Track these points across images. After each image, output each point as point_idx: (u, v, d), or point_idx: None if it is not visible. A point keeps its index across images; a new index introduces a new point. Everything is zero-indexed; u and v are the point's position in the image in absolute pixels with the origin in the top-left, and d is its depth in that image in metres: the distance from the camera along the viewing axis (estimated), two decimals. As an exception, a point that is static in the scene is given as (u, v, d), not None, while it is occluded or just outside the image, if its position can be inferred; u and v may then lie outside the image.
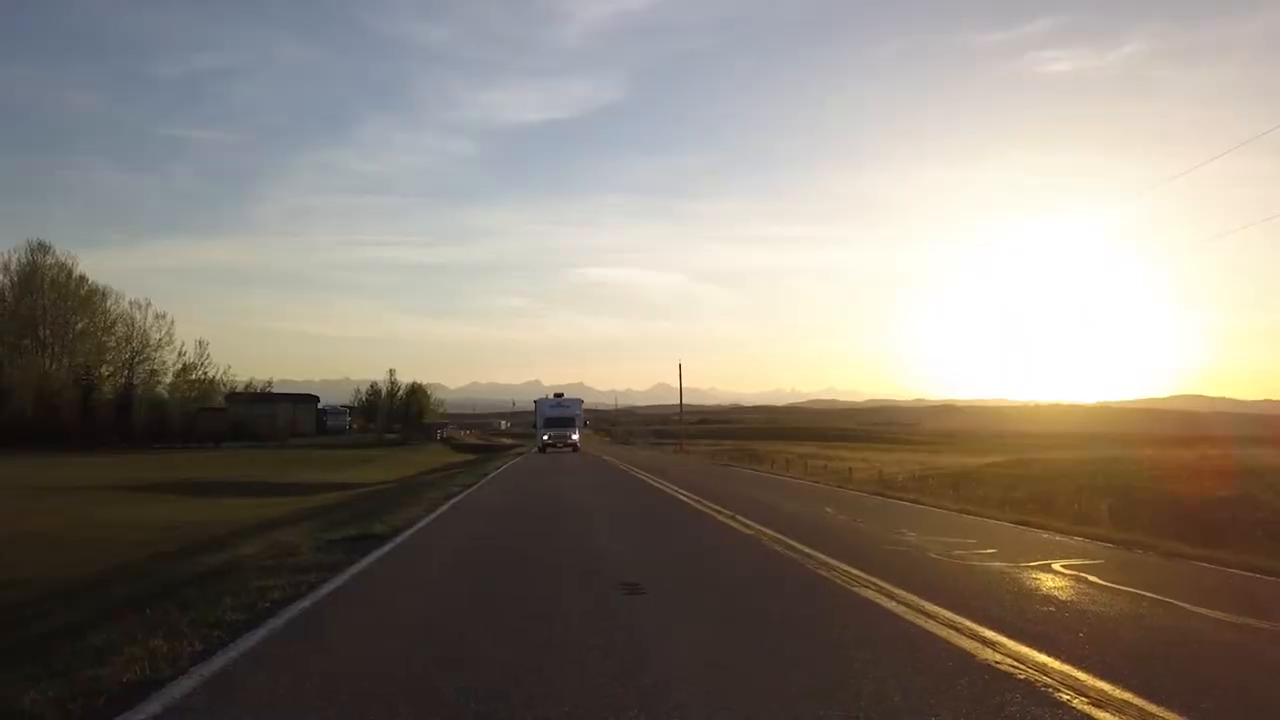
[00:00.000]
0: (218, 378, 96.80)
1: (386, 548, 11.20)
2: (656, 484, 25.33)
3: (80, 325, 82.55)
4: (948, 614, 6.86)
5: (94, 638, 6.14)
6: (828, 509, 17.55)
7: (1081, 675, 5.16)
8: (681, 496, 20.34)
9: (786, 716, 4.42)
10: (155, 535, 20.63)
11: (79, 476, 40.01)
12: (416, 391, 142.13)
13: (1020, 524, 14.63)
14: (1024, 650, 5.75)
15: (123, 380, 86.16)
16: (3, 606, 10.95)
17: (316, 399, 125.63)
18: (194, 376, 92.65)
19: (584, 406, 70.88)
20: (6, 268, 79.09)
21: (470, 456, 70.10)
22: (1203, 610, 7.26)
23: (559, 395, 66.05)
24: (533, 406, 71.79)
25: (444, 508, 17.61)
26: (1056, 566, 9.71)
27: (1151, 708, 4.60)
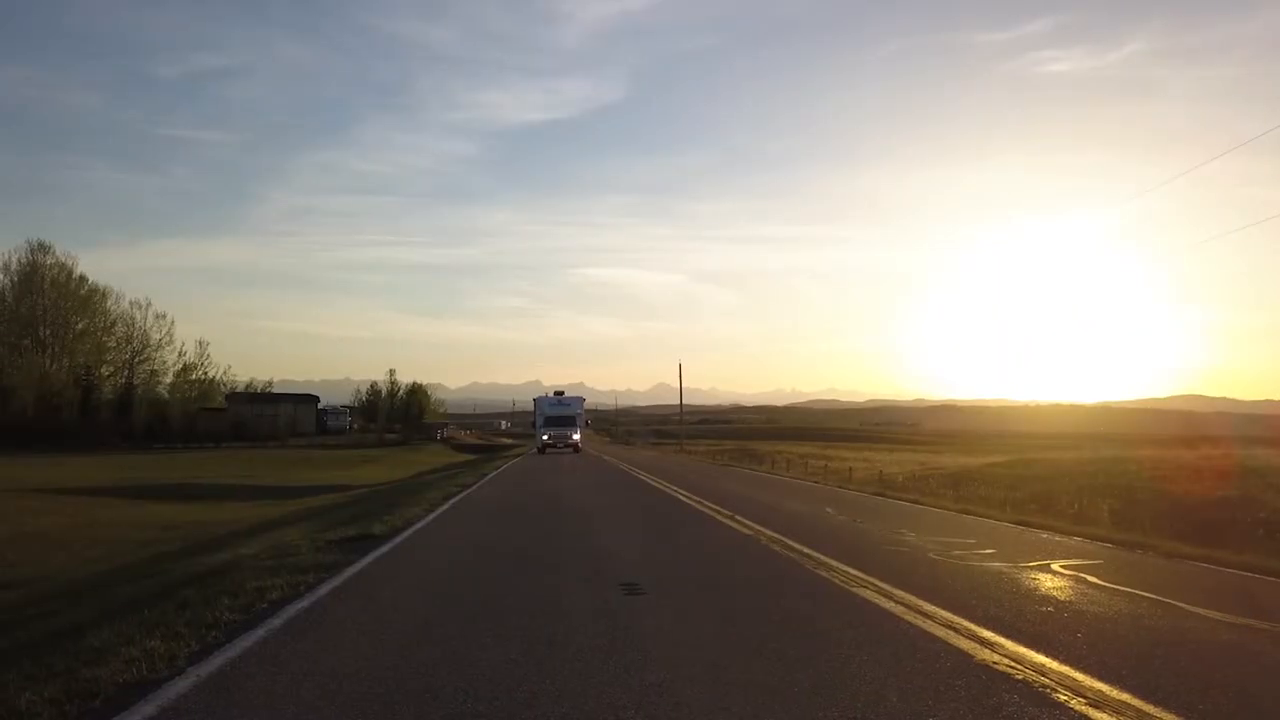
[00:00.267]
0: (218, 378, 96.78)
1: (385, 548, 11.20)
2: (656, 484, 25.32)
3: (80, 325, 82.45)
4: (946, 614, 6.86)
5: (92, 638, 6.14)
6: (828, 509, 17.55)
7: (1079, 676, 5.16)
8: (681, 497, 20.34)
9: (785, 716, 4.42)
10: (157, 535, 20.65)
11: (78, 477, 40.00)
12: (417, 391, 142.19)
13: (1020, 524, 14.62)
14: (1022, 650, 5.74)
15: (123, 380, 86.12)
16: (3, 606, 10.96)
17: (317, 399, 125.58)
18: (194, 377, 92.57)
19: (585, 406, 67.86)
20: (6, 268, 79.05)
21: (470, 456, 70.15)
22: (1202, 610, 7.26)
23: (559, 393, 63.32)
24: (532, 406, 68.34)
25: (444, 508, 17.61)
26: (1055, 567, 9.71)
27: (1149, 708, 4.59)
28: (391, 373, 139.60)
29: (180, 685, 4.94)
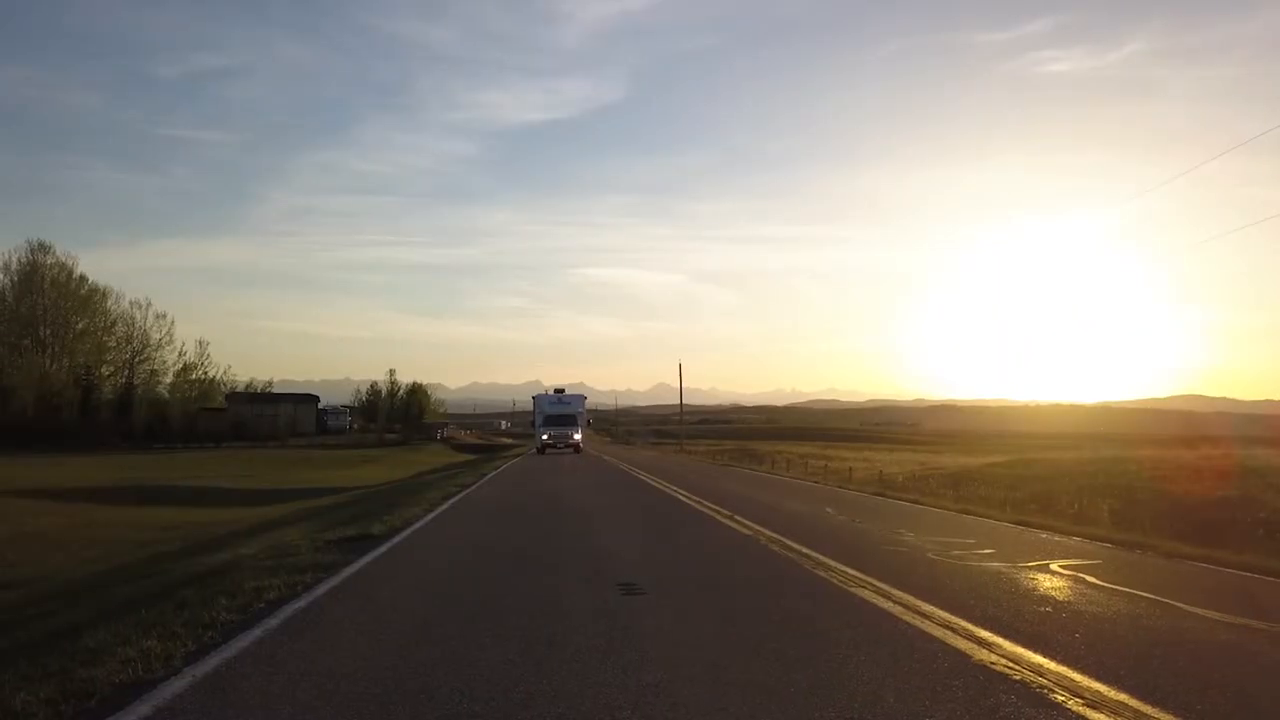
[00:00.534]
0: (218, 378, 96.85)
1: (384, 548, 11.19)
2: (656, 484, 25.31)
3: (80, 325, 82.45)
4: (944, 614, 6.85)
5: (89, 638, 6.12)
6: (827, 509, 17.54)
7: (1077, 676, 5.15)
8: (681, 497, 20.33)
9: (782, 717, 4.41)
10: (157, 535, 20.65)
11: (78, 477, 39.99)
12: (417, 391, 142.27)
13: (1020, 524, 14.61)
14: (1020, 651, 5.73)
15: (123, 380, 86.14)
16: (2, 607, 10.96)
17: (317, 399, 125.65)
18: (194, 376, 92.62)
19: (586, 404, 64.69)
20: (7, 267, 79.09)
21: (470, 456, 70.11)
22: (1201, 611, 7.24)
23: (559, 391, 60.53)
24: (532, 405, 65.43)
25: (443, 507, 17.60)
26: (1054, 567, 9.70)
27: (1147, 709, 4.58)
28: (391, 373, 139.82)
29: (176, 685, 4.93)
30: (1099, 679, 5.09)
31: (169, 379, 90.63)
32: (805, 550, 10.67)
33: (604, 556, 10.58)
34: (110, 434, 76.00)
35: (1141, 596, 7.88)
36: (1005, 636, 6.14)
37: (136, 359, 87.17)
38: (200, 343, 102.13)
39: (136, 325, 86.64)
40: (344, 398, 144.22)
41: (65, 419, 73.33)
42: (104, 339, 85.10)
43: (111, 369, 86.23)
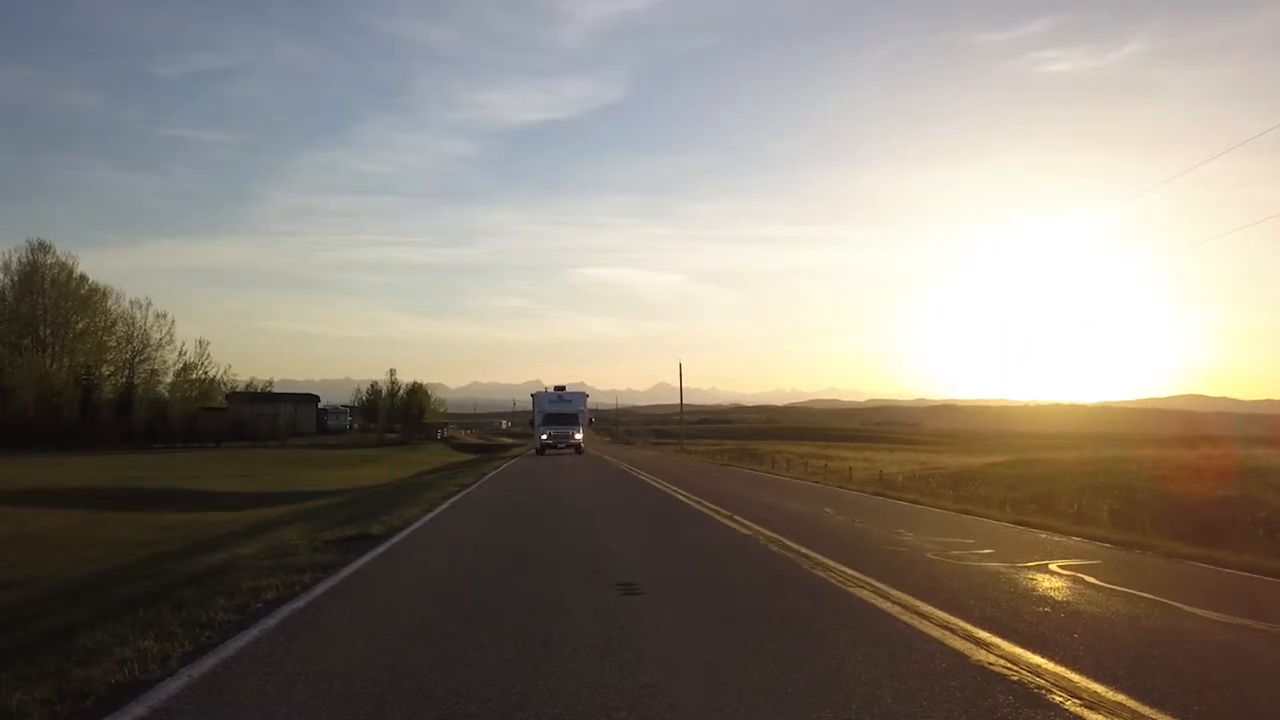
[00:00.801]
0: (218, 377, 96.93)
1: (383, 547, 11.19)
2: (656, 484, 25.30)
3: (81, 325, 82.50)
4: (943, 615, 6.84)
5: (86, 638, 6.12)
6: (827, 509, 17.53)
7: (1075, 677, 5.14)
8: (681, 496, 20.32)
9: (780, 717, 4.40)
10: (157, 535, 20.65)
11: (78, 477, 39.99)
12: (417, 391, 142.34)
13: (1020, 524, 14.60)
14: (1018, 651, 5.72)
15: (123, 380, 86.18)
16: (2, 607, 10.96)
17: (317, 399, 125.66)
18: (194, 376, 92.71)
19: (588, 402, 60.67)
20: (7, 267, 79.14)
21: (471, 456, 70.06)
22: (1199, 611, 7.23)
23: (560, 388, 57.40)
24: (531, 404, 61.75)
25: (442, 507, 17.60)
26: (1054, 567, 9.69)
27: (1145, 709, 4.57)
28: (392, 372, 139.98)
29: (172, 686, 4.92)
30: (1097, 679, 5.07)
31: (169, 379, 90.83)
32: (804, 550, 10.66)
33: (604, 556, 10.58)
34: (110, 434, 76.00)
35: (1140, 597, 7.86)
36: (1003, 637, 6.13)
37: (137, 359, 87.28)
38: (200, 342, 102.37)
39: (137, 325, 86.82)
40: (344, 397, 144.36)
41: (65, 419, 73.35)
42: (104, 339, 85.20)
43: (112, 369, 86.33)
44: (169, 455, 66.77)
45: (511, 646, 5.83)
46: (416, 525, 14.08)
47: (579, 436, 53.49)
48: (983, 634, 6.21)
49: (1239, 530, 13.86)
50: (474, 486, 24.73)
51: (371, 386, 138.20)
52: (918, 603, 7.31)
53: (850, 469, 33.47)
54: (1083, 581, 8.72)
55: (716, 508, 16.90)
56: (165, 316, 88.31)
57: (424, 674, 5.17)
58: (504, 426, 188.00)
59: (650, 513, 16.81)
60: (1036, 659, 5.53)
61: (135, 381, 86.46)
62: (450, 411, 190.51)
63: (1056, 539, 12.64)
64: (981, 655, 5.62)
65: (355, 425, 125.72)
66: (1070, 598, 7.89)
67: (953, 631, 6.30)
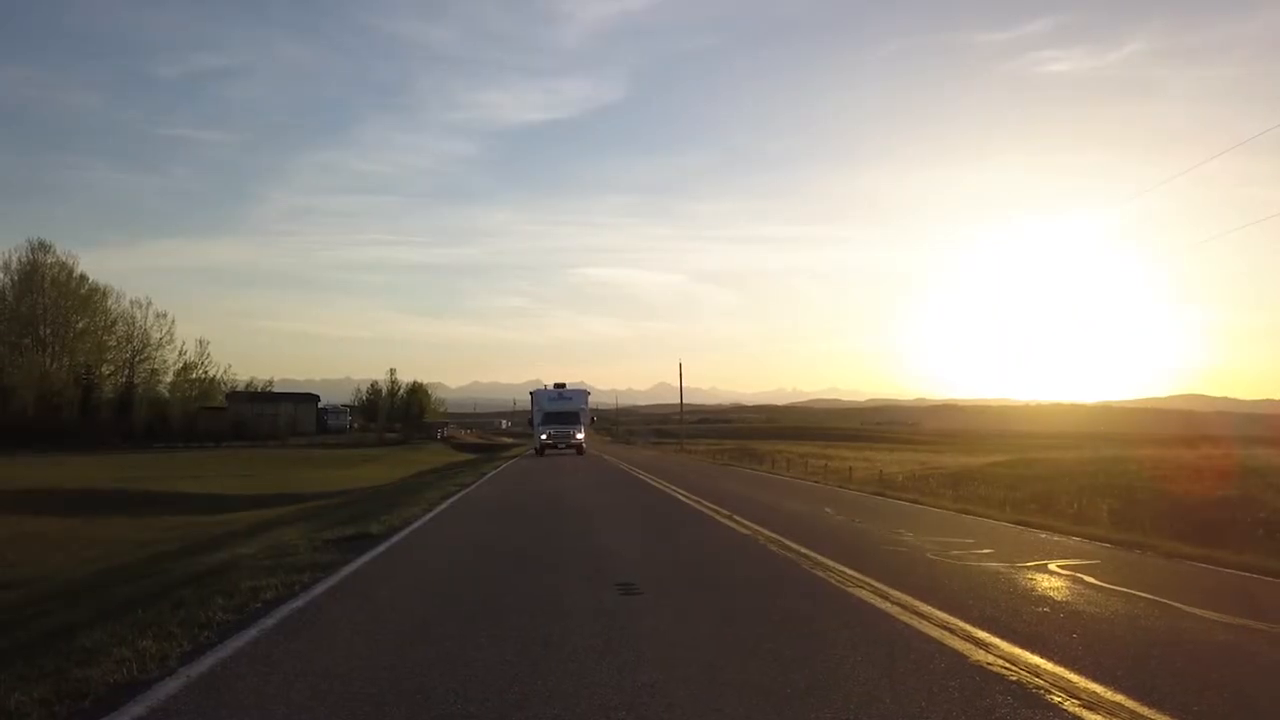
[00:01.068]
0: (218, 377, 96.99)
1: (382, 547, 11.19)
2: (656, 484, 25.30)
3: (81, 324, 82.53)
4: (942, 615, 6.84)
5: (85, 638, 6.12)
6: (826, 509, 17.52)
7: (1074, 677, 5.13)
8: (681, 496, 20.32)
9: (778, 717, 4.40)
10: (157, 535, 20.65)
11: (78, 477, 39.98)
12: (417, 391, 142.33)
13: (1019, 524, 14.59)
14: (1017, 651, 5.72)
15: (123, 380, 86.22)
16: (1, 607, 10.97)
17: (317, 398, 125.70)
18: (194, 376, 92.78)
19: (589, 400, 57.40)
20: (7, 267, 79.18)
21: (471, 456, 70.03)
22: (1199, 611, 7.23)
23: (560, 386, 54.46)
24: (530, 402, 58.26)
25: (442, 507, 17.61)
26: (1053, 567, 9.68)
27: (1144, 710, 4.57)
28: (392, 372, 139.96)
29: (170, 685, 4.92)
30: (1096, 679, 5.07)
31: (169, 378, 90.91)
32: (804, 550, 10.66)
33: (603, 556, 10.58)
34: (110, 433, 76.03)
35: (1140, 597, 7.86)
36: (1002, 637, 6.12)
37: (137, 358, 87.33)
38: (200, 342, 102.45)
39: (137, 324, 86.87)
40: (344, 397, 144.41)
41: (65, 418, 73.37)
42: (104, 338, 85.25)
43: (112, 368, 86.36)
44: (169, 455, 66.77)
45: (511, 646, 5.82)
46: (416, 525, 14.08)
47: (580, 436, 50.93)
48: (982, 634, 6.21)
49: (1239, 530, 13.86)
50: (474, 486, 24.74)
51: (371, 386, 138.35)
52: (917, 603, 7.31)
53: (850, 469, 33.47)
54: (1082, 581, 8.72)
55: (716, 507, 16.89)
56: (165, 316, 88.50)
57: (423, 674, 5.17)
58: (504, 426, 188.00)
59: (650, 512, 16.81)
60: (1035, 659, 5.53)
61: (135, 381, 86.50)
62: (450, 411, 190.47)
63: (1056, 539, 12.63)
64: (980, 655, 5.62)
65: (355, 425, 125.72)
66: (1069, 598, 7.88)
67: (952, 631, 6.29)
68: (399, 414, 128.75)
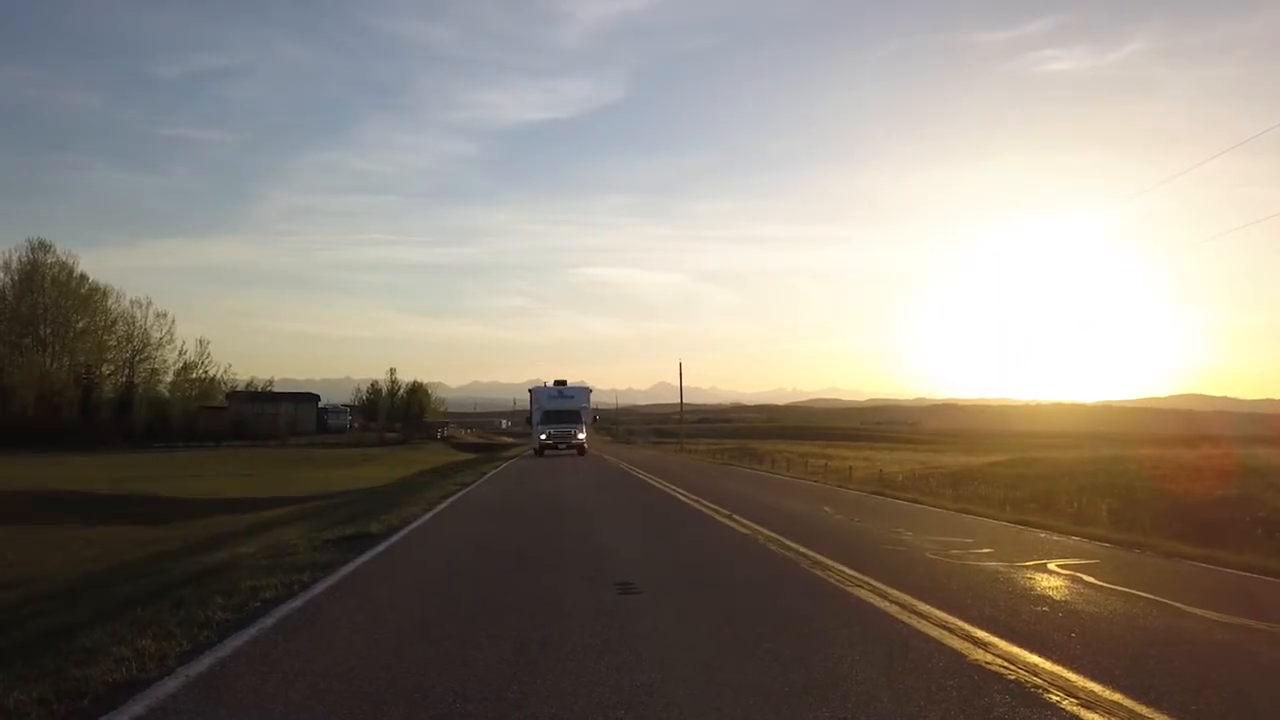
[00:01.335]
0: (218, 377, 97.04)
1: (381, 547, 11.19)
2: (656, 483, 25.30)
3: (81, 324, 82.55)
4: (941, 614, 6.84)
5: (84, 638, 6.12)
6: (826, 508, 17.53)
7: (1072, 676, 5.13)
8: (680, 496, 20.32)
9: (776, 717, 4.40)
10: (156, 535, 20.63)
11: (78, 478, 39.98)
12: (417, 390, 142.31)
13: (1019, 524, 14.59)
14: (1015, 651, 5.72)
15: (123, 379, 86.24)
16: (1, 606, 10.96)
17: (317, 398, 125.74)
18: (195, 375, 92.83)
19: (591, 398, 54.04)
20: (7, 266, 79.20)
21: (471, 456, 70.00)
22: (1198, 610, 7.23)
23: (560, 383, 51.66)
24: (529, 400, 55.19)
25: (442, 506, 17.61)
26: (1052, 566, 9.68)
27: (1142, 709, 4.57)
28: (392, 371, 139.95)
29: (169, 685, 4.93)
30: (1094, 679, 5.07)
31: (169, 378, 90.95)
32: (803, 550, 10.66)
33: (603, 556, 10.59)
34: (110, 433, 76.06)
35: (1139, 596, 7.86)
36: (1001, 636, 6.12)
37: (137, 358, 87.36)
38: (201, 342, 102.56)
39: (137, 324, 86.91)
40: (344, 397, 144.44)
41: (65, 418, 73.38)
42: (104, 338, 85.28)
43: (112, 368, 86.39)
44: (169, 455, 66.78)
45: (510, 646, 5.83)
46: (416, 525, 14.09)
47: (582, 436, 47.96)
48: (980, 633, 6.21)
49: (1239, 530, 13.86)
50: (474, 486, 24.75)
51: (372, 386, 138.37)
52: (916, 602, 7.31)
53: (850, 468, 33.48)
54: (1081, 581, 8.72)
55: (716, 507, 16.90)
56: (165, 316, 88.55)
57: (421, 673, 5.17)
58: (504, 426, 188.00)
59: (650, 512, 16.81)
60: (1034, 658, 5.53)
61: (135, 381, 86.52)
62: (450, 411, 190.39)
63: (1056, 538, 12.63)
64: (979, 654, 5.62)
65: (355, 424, 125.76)
66: (1068, 597, 7.88)
67: (950, 631, 6.29)
68: (399, 414, 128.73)
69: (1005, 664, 5.38)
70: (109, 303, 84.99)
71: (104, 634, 6.15)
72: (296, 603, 7.37)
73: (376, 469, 52.85)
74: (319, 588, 8.11)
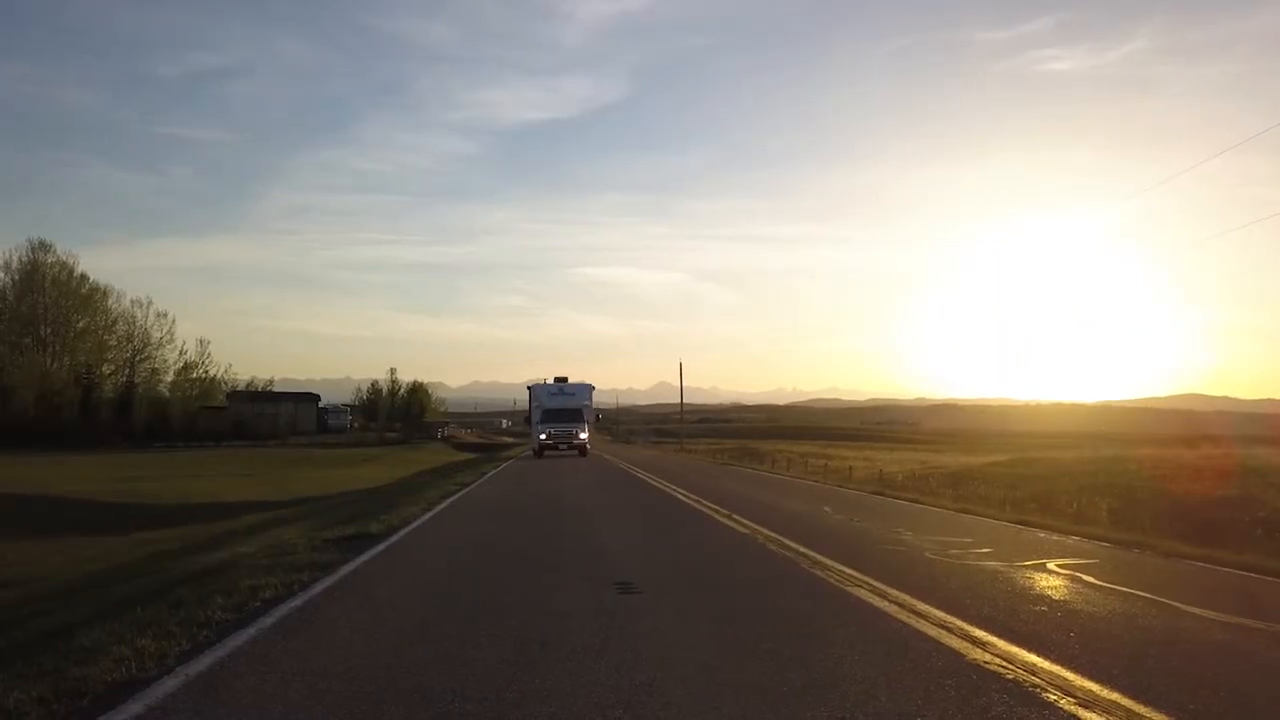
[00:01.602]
0: (219, 376, 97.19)
1: (381, 546, 11.20)
2: (656, 483, 25.31)
3: (81, 324, 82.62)
4: (940, 614, 6.84)
5: (83, 637, 6.13)
6: (826, 508, 17.53)
7: (1070, 675, 5.14)
8: (680, 496, 20.32)
9: (774, 717, 4.41)
10: (158, 535, 20.64)
11: (78, 477, 40.01)
12: (417, 390, 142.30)
13: (1019, 523, 14.60)
14: (1014, 650, 5.72)
15: (124, 379, 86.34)
16: (2, 606, 10.97)
17: (317, 397, 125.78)
18: (195, 375, 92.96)
19: (593, 396, 50.67)
20: (7, 266, 79.31)
21: (471, 455, 70.02)
22: (1197, 610, 7.23)
23: (561, 380, 48.91)
24: (529, 398, 51.87)
25: (442, 506, 17.61)
26: (1051, 566, 9.69)
27: (1139, 708, 4.58)
28: (392, 371, 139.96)
29: (169, 684, 4.93)
30: (1092, 678, 5.08)
31: (170, 378, 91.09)
32: (803, 550, 10.67)
33: (603, 555, 10.60)
34: (111, 433, 76.15)
35: (1138, 596, 7.87)
36: (1000, 636, 6.13)
37: (137, 358, 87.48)
38: (201, 341, 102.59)
39: (137, 324, 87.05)
40: (344, 396, 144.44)
41: (66, 418, 73.45)
42: (105, 338, 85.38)
43: (112, 368, 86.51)
44: (169, 454, 66.82)
45: (509, 646, 5.83)
46: (415, 524, 14.09)
47: (584, 436, 45.20)
48: (979, 633, 6.22)
49: (1239, 530, 13.87)
50: (474, 486, 24.75)
51: (372, 385, 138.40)
52: (915, 602, 7.32)
53: (850, 468, 33.49)
54: (1080, 581, 8.72)
55: (716, 507, 16.90)
56: (165, 315, 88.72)
57: (421, 673, 5.18)
58: (504, 425, 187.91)
59: (650, 512, 16.81)
60: (1032, 658, 5.54)
61: (136, 381, 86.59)
62: (451, 410, 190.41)
63: (1055, 538, 12.64)
64: (977, 654, 5.62)
65: (356, 424, 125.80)
66: (1067, 597, 7.89)
67: (949, 630, 6.30)
68: (399, 413, 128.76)
69: (1003, 663, 5.39)
70: (109, 302, 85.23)
71: (103, 633, 6.16)
72: (296, 602, 7.38)
73: (376, 469, 52.86)
74: (318, 587, 8.12)
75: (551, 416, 45.42)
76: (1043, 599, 7.76)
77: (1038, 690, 4.83)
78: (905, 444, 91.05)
